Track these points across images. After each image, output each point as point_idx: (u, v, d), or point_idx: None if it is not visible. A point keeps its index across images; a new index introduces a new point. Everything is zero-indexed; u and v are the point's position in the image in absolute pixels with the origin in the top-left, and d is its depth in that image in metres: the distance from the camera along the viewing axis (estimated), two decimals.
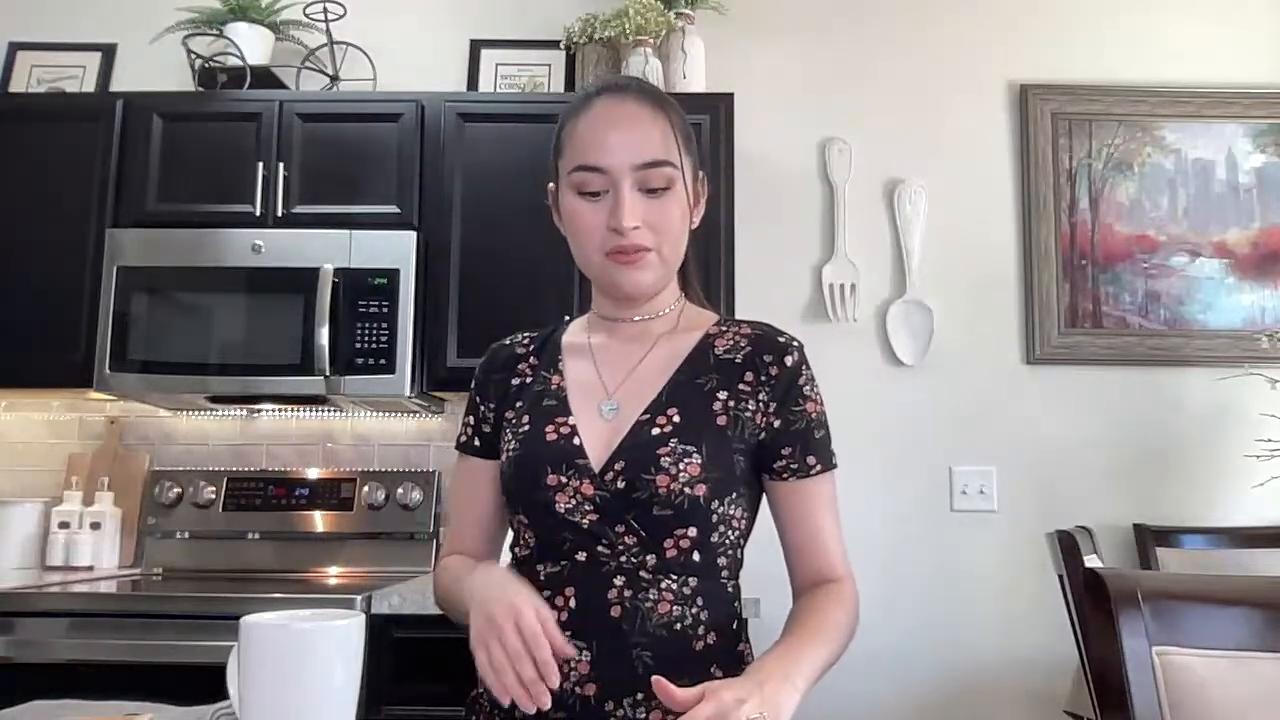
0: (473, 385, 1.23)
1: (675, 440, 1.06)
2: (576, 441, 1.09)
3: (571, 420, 1.11)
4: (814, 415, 1.13)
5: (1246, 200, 2.77)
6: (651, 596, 1.04)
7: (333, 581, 2.47)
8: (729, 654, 1.08)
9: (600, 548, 1.05)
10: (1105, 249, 2.75)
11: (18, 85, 2.78)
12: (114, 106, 2.50)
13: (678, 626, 1.04)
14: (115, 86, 2.78)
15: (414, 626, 2.05)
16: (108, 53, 2.84)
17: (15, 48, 2.83)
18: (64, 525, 2.54)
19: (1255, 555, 2.48)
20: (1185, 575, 1.99)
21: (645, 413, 1.09)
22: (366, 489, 2.60)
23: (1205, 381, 2.69)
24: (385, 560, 2.56)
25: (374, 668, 2.02)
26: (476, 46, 2.83)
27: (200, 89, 2.64)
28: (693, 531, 1.06)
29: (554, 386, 1.15)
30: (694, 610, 1.05)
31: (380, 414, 2.73)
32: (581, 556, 1.06)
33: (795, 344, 1.16)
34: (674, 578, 1.05)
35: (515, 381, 1.19)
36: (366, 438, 2.74)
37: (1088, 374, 2.72)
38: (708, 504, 1.06)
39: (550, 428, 1.11)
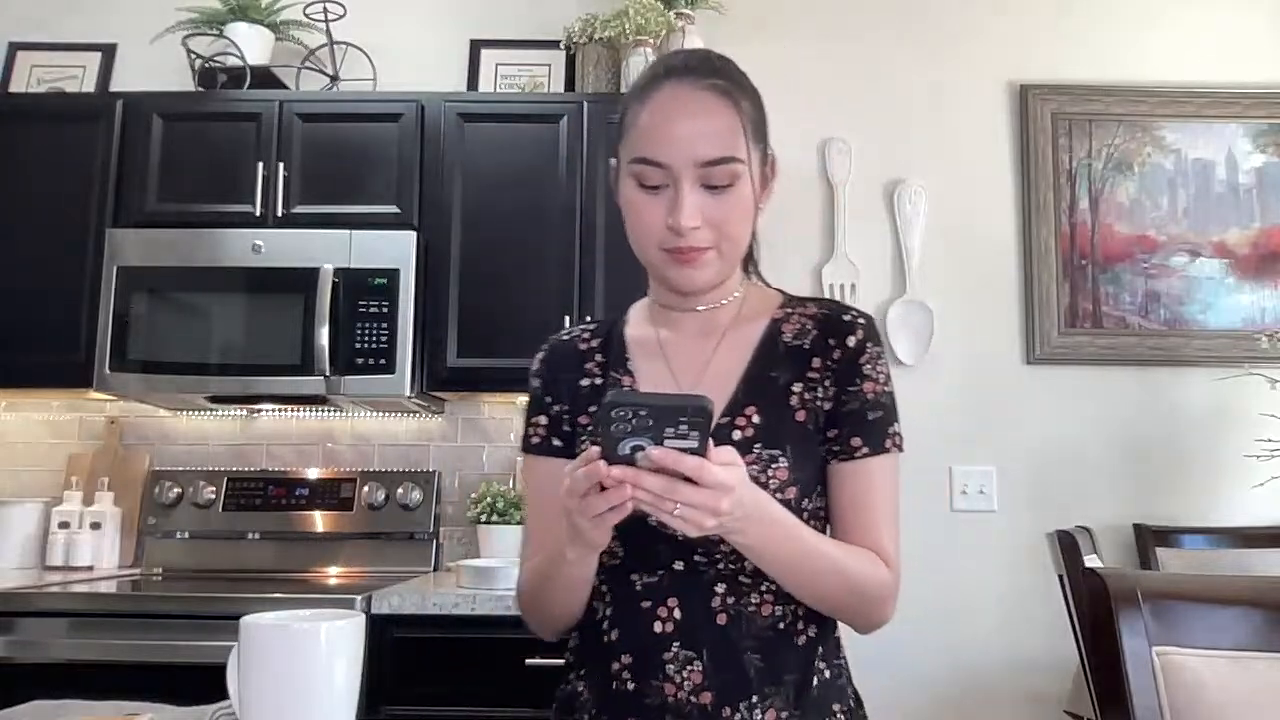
0: (536, 384, 1.17)
1: (759, 446, 1.03)
2: None
3: None
4: (870, 395, 1.07)
5: (1246, 200, 2.77)
6: (754, 600, 1.03)
7: (333, 581, 2.47)
8: (828, 641, 1.08)
9: (697, 557, 1.02)
10: (1105, 249, 2.75)
11: (18, 85, 2.78)
12: (114, 106, 2.50)
13: (781, 625, 1.03)
14: (115, 86, 2.78)
15: (414, 626, 2.06)
16: (108, 53, 2.84)
17: (15, 48, 2.83)
18: (64, 525, 2.54)
19: (1255, 555, 2.48)
20: (1185, 575, 1.99)
21: (724, 415, 1.05)
22: (366, 489, 2.60)
23: (1205, 381, 2.69)
24: (385, 560, 2.56)
25: (374, 668, 2.02)
26: (476, 46, 2.83)
27: (200, 89, 2.64)
28: None
29: (627, 389, 1.11)
30: (793, 606, 1.04)
31: (380, 414, 2.73)
32: (679, 566, 1.03)
33: (861, 321, 1.11)
34: (772, 579, 1.02)
35: (584, 383, 1.14)
36: (366, 438, 2.74)
37: (1088, 374, 2.72)
38: (798, 504, 1.03)
39: None
